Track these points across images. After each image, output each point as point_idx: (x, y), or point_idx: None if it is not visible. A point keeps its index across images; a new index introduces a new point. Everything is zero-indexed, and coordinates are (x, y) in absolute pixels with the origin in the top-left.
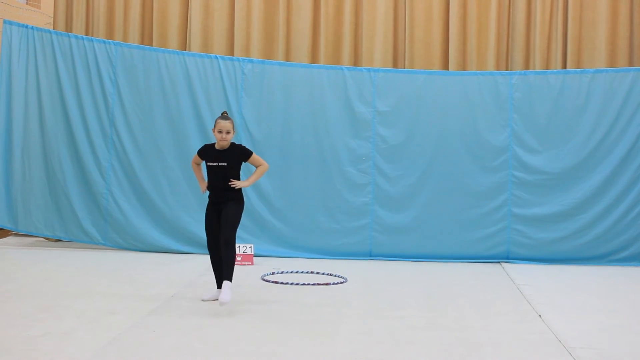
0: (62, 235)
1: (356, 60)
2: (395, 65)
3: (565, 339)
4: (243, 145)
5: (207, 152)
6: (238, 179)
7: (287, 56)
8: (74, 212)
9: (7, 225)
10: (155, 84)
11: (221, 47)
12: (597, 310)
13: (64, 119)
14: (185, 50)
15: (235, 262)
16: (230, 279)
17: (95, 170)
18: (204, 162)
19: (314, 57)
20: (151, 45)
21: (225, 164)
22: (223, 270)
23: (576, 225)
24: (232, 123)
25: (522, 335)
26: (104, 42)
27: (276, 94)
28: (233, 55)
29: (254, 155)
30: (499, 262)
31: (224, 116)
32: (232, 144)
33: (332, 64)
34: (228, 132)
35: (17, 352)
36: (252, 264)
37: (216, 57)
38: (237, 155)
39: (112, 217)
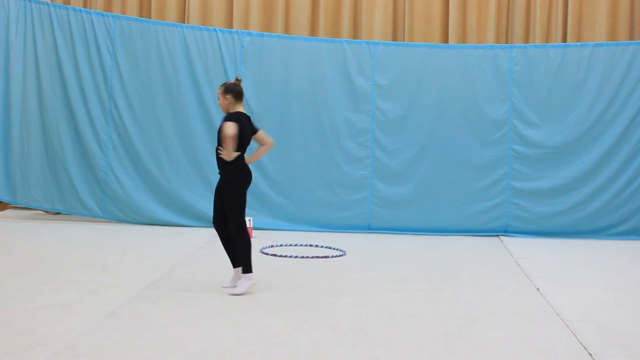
0: (61, 208)
1: (356, 34)
2: (394, 38)
3: (562, 311)
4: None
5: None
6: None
7: (286, 29)
8: (72, 185)
9: (6, 198)
10: (154, 57)
11: (220, 19)
12: (595, 283)
13: (62, 92)
14: (184, 23)
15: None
16: (247, 271)
17: (94, 143)
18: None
19: (313, 30)
20: (150, 18)
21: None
22: (242, 263)
23: (575, 199)
24: (220, 88)
25: (520, 308)
26: (102, 15)
27: (275, 67)
28: (232, 28)
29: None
30: (497, 236)
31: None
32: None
33: (332, 37)
34: (218, 98)
35: (17, 324)
36: (251, 237)
37: (215, 30)
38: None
39: (111, 190)
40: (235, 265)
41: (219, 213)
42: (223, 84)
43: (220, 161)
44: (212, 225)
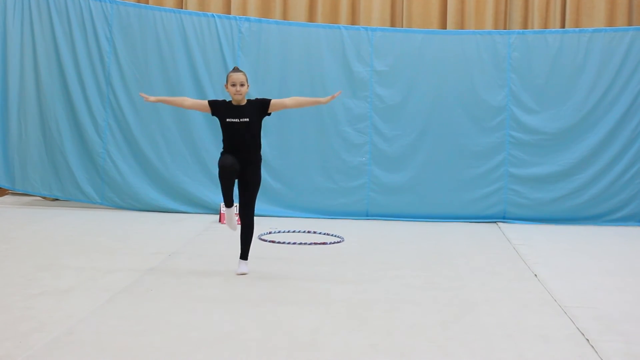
0: (59, 194)
1: (354, 19)
2: (393, 24)
3: (560, 298)
4: (258, 98)
5: (222, 108)
6: (260, 136)
7: (284, 15)
8: (70, 171)
9: (4, 184)
10: (152, 43)
11: (218, 5)
12: (593, 270)
13: (60, 78)
14: (182, 8)
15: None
16: (246, 258)
17: (92, 130)
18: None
19: (311, 16)
20: (147, 4)
21: (248, 119)
22: (242, 248)
23: (573, 185)
24: (246, 75)
25: (518, 294)
26: (100, 1)
27: (273, 53)
28: (230, 14)
29: (274, 100)
30: (495, 222)
31: (236, 69)
32: (249, 100)
33: (330, 23)
34: (242, 85)
35: (15, 310)
36: None
37: (213, 16)
38: (258, 108)
39: (109, 177)
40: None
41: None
42: (243, 71)
43: (254, 149)
44: (235, 210)
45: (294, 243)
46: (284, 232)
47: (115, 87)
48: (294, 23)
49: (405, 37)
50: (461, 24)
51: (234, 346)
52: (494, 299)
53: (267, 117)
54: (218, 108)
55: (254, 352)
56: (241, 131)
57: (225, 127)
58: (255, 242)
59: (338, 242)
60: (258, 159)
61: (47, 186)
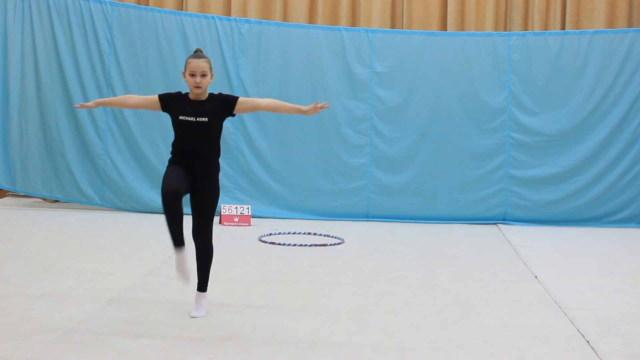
0: (60, 195)
1: (354, 21)
2: (393, 25)
3: (560, 299)
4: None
5: (176, 103)
6: (219, 139)
7: (285, 16)
8: (71, 172)
9: (5, 185)
10: (152, 45)
11: (218, 7)
12: (593, 271)
13: (60, 80)
14: (182, 10)
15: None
16: (205, 289)
17: (92, 131)
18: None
19: (311, 18)
20: (147, 5)
21: (207, 119)
22: (198, 278)
23: (573, 187)
24: (209, 63)
25: (518, 296)
26: (100, 2)
27: (274, 54)
28: (230, 16)
29: (243, 99)
30: (495, 224)
31: (198, 54)
32: (211, 94)
33: (330, 25)
34: (204, 75)
35: (15, 311)
36: (250, 225)
37: (213, 18)
38: (221, 107)
39: (109, 178)
40: (181, 243)
41: (181, 185)
42: (206, 57)
43: (211, 156)
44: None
45: (294, 244)
46: (284, 233)
47: (115, 89)
48: (294, 25)
49: (405, 38)
50: (461, 26)
51: (234, 347)
52: (494, 300)
53: (231, 117)
54: (170, 103)
55: (254, 353)
56: (196, 134)
57: (177, 126)
58: (255, 244)
59: (338, 244)
60: (216, 168)
61: (48, 187)
